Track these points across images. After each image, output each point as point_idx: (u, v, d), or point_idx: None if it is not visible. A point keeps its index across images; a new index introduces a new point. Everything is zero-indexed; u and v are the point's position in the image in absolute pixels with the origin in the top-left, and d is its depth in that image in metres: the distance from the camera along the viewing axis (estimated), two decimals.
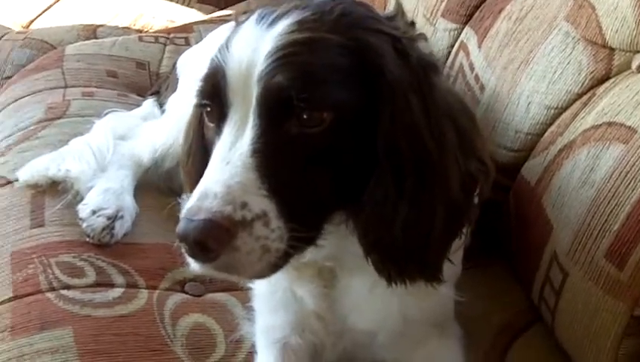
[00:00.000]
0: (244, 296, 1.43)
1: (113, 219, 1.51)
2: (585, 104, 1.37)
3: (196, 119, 1.16)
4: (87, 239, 1.50)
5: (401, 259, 1.03)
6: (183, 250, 0.97)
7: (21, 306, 1.36)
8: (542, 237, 1.35)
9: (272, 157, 0.98)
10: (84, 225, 1.51)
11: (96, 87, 2.02)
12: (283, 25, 1.01)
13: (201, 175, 1.01)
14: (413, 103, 1.00)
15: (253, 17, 1.05)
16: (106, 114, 1.81)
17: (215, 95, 1.03)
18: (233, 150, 0.98)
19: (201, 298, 1.44)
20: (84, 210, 1.54)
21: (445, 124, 1.02)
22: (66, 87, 2.00)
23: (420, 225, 1.01)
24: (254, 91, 0.99)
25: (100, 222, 1.51)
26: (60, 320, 1.32)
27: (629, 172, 1.20)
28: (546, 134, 1.43)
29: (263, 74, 0.98)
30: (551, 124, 1.43)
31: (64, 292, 1.39)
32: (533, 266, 1.37)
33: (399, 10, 1.13)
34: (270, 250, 0.96)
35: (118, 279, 1.43)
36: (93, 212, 1.53)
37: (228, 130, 1.00)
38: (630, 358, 1.24)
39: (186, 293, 1.45)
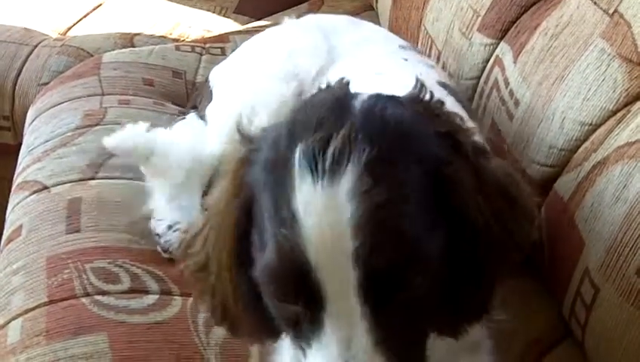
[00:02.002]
0: None
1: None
2: (619, 121, 1.36)
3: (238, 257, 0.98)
4: (164, 254, 1.55)
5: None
6: None
7: (56, 311, 1.39)
8: (574, 252, 1.35)
9: (392, 336, 0.87)
10: (162, 240, 1.56)
11: (132, 95, 2.04)
12: (350, 176, 0.84)
13: (249, 315, 0.99)
14: (480, 202, 0.96)
15: (301, 166, 0.86)
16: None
17: (301, 287, 0.85)
18: (351, 348, 0.84)
19: None
20: (160, 225, 1.58)
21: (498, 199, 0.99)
22: (102, 94, 2.02)
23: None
24: (351, 274, 0.83)
25: (176, 236, 1.54)
26: (95, 325, 1.35)
27: None
28: (580, 150, 1.43)
29: (359, 253, 0.83)
30: (585, 140, 1.42)
31: (99, 297, 1.41)
32: (565, 281, 1.37)
33: (420, 85, 1.02)
34: None
35: (153, 286, 1.45)
36: (169, 227, 1.57)
37: (333, 322, 0.85)
38: None
39: None
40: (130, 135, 1.63)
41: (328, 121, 0.88)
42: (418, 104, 0.98)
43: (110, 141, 1.62)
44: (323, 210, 0.83)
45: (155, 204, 1.64)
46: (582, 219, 1.35)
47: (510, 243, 1.01)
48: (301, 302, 0.86)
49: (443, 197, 0.90)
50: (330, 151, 0.85)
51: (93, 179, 1.75)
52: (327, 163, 0.84)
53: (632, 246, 1.22)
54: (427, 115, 0.97)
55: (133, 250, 1.54)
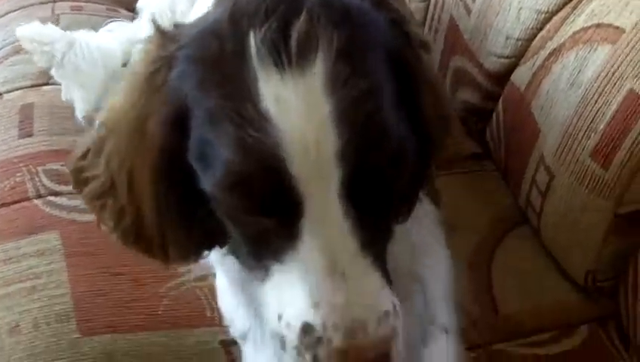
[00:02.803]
0: None
1: None
2: (574, 7, 1.35)
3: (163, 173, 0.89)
4: None
5: None
6: None
7: (8, 213, 1.37)
8: (529, 141, 1.34)
9: (378, 238, 0.83)
10: None
11: (85, 1, 1.99)
12: (324, 65, 0.77)
13: (180, 232, 0.91)
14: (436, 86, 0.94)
15: (261, 58, 0.77)
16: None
17: (276, 192, 0.77)
18: (335, 254, 0.78)
19: None
20: None
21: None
22: (54, 1, 1.97)
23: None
24: (334, 177, 0.77)
25: None
26: (47, 224, 1.33)
27: (615, 71, 1.18)
28: (536, 39, 1.41)
29: (342, 157, 0.76)
30: (541, 28, 1.40)
31: (51, 198, 1.39)
32: (521, 170, 1.37)
33: None
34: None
35: None
36: None
37: (312, 229, 0.78)
38: (613, 257, 1.24)
39: None
40: (48, 29, 1.57)
41: (279, 8, 0.78)
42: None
43: (24, 30, 1.55)
44: (298, 105, 0.75)
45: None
46: (538, 107, 1.34)
47: (444, 132, 0.98)
48: (275, 210, 0.79)
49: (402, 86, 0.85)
50: (293, 38, 0.76)
51: (46, 85, 1.71)
52: (293, 51, 0.76)
53: (587, 129, 1.22)
54: (375, 2, 0.90)
55: None
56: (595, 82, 1.21)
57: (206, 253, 1.01)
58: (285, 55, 0.75)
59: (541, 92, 1.33)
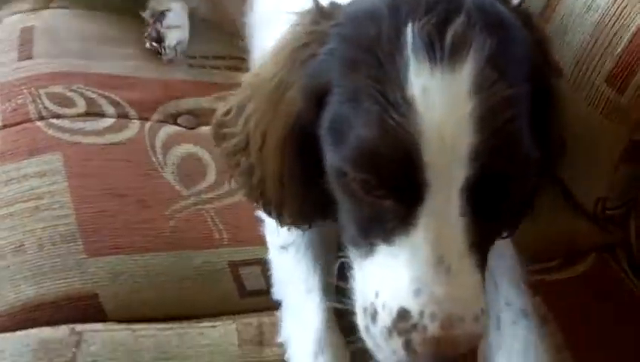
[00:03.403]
0: None
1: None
2: None
3: (292, 141, 0.93)
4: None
5: None
6: None
7: (10, 134, 1.34)
8: None
9: (485, 243, 0.85)
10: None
11: None
12: (473, 66, 0.78)
13: (297, 201, 0.96)
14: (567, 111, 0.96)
15: (416, 48, 0.79)
16: None
17: (404, 173, 0.79)
18: (445, 248, 0.80)
19: (194, 130, 1.43)
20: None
21: None
22: None
23: None
24: (462, 173, 0.78)
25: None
26: (49, 146, 1.31)
27: None
28: None
29: (474, 155, 0.78)
30: None
31: (54, 120, 1.36)
32: None
33: None
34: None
35: (109, 109, 1.41)
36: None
37: (429, 220, 0.80)
38: (624, 184, 1.23)
39: (179, 125, 1.43)
40: None
41: (439, 4, 0.81)
42: (515, 7, 0.93)
43: None
44: (443, 99, 0.77)
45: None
46: (552, 31, 1.30)
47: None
48: (397, 193, 0.81)
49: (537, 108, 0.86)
50: (449, 35, 0.78)
51: (46, 8, 1.67)
52: (447, 48, 0.78)
53: (602, 53, 1.19)
54: (522, 19, 0.91)
55: (89, 75, 1.48)
56: (612, 5, 1.18)
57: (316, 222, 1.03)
58: (439, 50, 0.78)
59: (556, 16, 1.29)
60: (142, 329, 1.08)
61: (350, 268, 0.93)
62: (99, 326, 1.08)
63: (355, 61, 0.83)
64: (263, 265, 1.18)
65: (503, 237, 1.03)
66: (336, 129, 0.84)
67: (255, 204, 1.06)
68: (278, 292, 1.13)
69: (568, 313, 1.17)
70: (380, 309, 0.84)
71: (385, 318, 0.83)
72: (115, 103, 1.43)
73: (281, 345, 1.07)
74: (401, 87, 0.78)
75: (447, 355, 0.80)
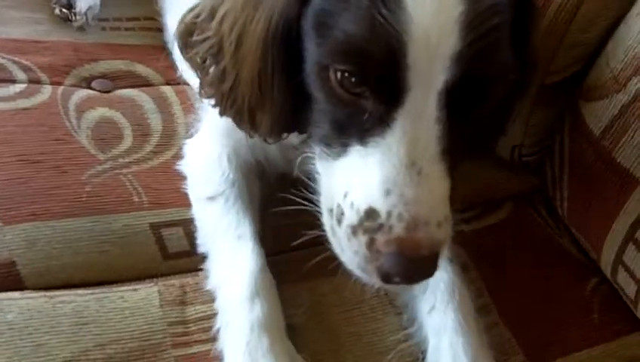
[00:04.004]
0: (154, 91, 1.40)
1: None
2: None
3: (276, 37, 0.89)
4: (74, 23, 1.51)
5: None
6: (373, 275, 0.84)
7: None
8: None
9: (456, 148, 0.84)
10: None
11: None
12: None
13: (276, 103, 0.92)
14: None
15: None
16: None
17: (387, 71, 0.79)
18: (418, 151, 0.80)
19: (108, 94, 1.40)
20: None
21: None
22: None
23: None
24: (442, 76, 0.79)
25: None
26: None
27: None
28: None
29: (457, 59, 0.78)
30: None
31: None
32: None
33: None
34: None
35: (20, 75, 1.37)
36: None
37: (405, 122, 0.80)
38: (539, 130, 1.25)
39: (93, 89, 1.40)
40: None
41: None
42: None
43: None
44: (433, 1, 0.77)
45: None
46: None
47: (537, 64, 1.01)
48: (377, 92, 0.80)
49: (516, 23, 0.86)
50: None
51: None
52: None
53: None
54: None
55: None
56: None
57: (285, 135, 1.01)
58: None
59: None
60: (60, 295, 1.06)
61: (315, 170, 0.93)
62: (15, 294, 1.05)
63: None
64: (186, 226, 1.16)
65: (478, 157, 1.05)
66: (322, 23, 0.83)
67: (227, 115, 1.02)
68: (203, 244, 1.12)
69: (487, 260, 1.20)
70: (347, 209, 0.84)
71: (352, 217, 0.83)
72: (25, 68, 1.38)
73: (205, 302, 1.06)
74: None
75: (408, 256, 0.80)
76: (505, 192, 1.34)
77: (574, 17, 1.15)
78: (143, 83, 1.43)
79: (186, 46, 1.01)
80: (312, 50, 0.85)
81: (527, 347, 1.11)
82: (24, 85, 1.35)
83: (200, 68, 1.00)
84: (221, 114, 1.02)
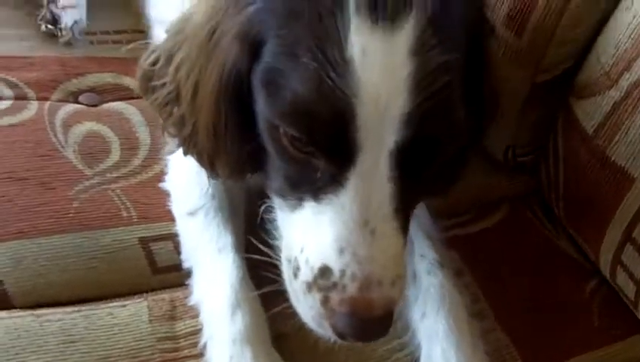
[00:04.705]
0: (142, 103, 1.38)
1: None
2: None
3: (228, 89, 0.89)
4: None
5: None
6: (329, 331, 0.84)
7: None
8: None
9: (409, 205, 0.85)
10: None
11: None
12: (414, 28, 0.77)
13: (232, 152, 0.92)
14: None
15: (358, 5, 0.76)
16: None
17: (336, 132, 0.78)
18: (371, 210, 0.80)
19: (96, 108, 1.38)
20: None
21: None
22: None
23: None
24: (393, 137, 0.78)
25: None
26: None
27: None
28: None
29: (407, 120, 0.77)
30: None
31: None
32: None
33: None
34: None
35: (6, 92, 1.36)
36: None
37: (358, 182, 0.80)
38: (532, 129, 1.24)
39: (80, 104, 1.38)
40: None
41: None
42: None
43: None
44: (381, 61, 0.76)
45: None
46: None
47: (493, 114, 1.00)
48: (329, 153, 0.80)
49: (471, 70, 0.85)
50: None
51: None
52: (389, 9, 0.76)
53: None
54: None
55: None
56: None
57: (249, 175, 1.00)
58: (381, 10, 0.76)
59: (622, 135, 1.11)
60: (47, 314, 1.04)
61: (274, 219, 0.93)
62: (2, 313, 1.04)
63: (294, 12, 0.80)
64: (175, 240, 1.15)
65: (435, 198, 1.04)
66: (271, 81, 0.82)
67: (187, 156, 1.02)
68: (188, 259, 1.11)
69: (483, 264, 1.18)
70: (302, 264, 0.84)
71: (307, 273, 0.83)
72: (12, 85, 1.37)
73: (194, 317, 1.05)
74: (341, 46, 0.76)
75: (362, 317, 0.80)
76: (500, 194, 1.32)
77: (563, 14, 1.13)
78: (130, 95, 1.41)
79: (145, 91, 1.01)
80: (262, 107, 0.85)
81: (526, 352, 1.09)
82: (10, 102, 1.34)
83: (162, 111, 0.99)
84: (185, 154, 1.02)
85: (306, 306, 0.85)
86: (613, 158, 1.10)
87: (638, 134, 1.06)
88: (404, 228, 0.84)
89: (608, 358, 1.12)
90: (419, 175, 0.83)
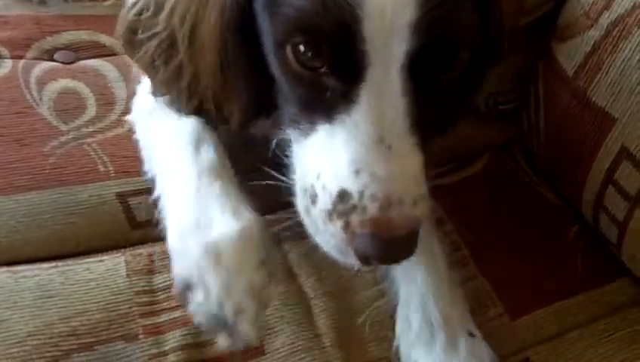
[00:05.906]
0: (118, 60, 1.36)
1: None
2: None
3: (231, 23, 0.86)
4: None
5: None
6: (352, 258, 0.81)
7: None
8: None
9: (425, 121, 0.81)
10: None
11: None
12: None
13: (243, 91, 0.89)
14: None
15: None
16: None
17: (341, 45, 0.76)
18: (385, 126, 0.77)
19: (71, 65, 1.36)
20: None
21: None
22: None
23: None
24: (402, 48, 0.75)
25: None
26: None
27: None
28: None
29: (415, 29, 0.75)
30: None
31: None
32: None
33: None
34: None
35: None
36: None
37: (370, 97, 0.77)
38: (515, 75, 1.24)
39: (56, 61, 1.36)
40: None
41: None
42: None
43: None
44: None
45: None
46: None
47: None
48: (337, 68, 0.77)
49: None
50: None
51: None
52: None
53: None
54: None
55: None
56: None
57: (253, 124, 0.97)
58: None
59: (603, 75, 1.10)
60: (23, 270, 1.03)
61: (289, 146, 0.89)
62: None
63: None
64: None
65: (444, 130, 1.00)
66: (273, 1, 0.79)
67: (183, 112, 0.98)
68: (149, 164, 1.06)
69: (463, 212, 1.16)
70: (319, 191, 0.81)
71: (325, 200, 0.80)
72: None
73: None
74: None
75: (384, 237, 0.77)
76: (481, 144, 1.30)
77: None
78: (107, 52, 1.39)
79: (131, 46, 0.95)
80: (266, 30, 0.82)
81: (507, 298, 1.08)
82: None
83: (149, 67, 0.94)
84: (180, 112, 0.97)
85: (326, 235, 0.81)
86: (593, 99, 1.08)
87: (618, 74, 1.05)
88: (422, 146, 0.81)
89: (592, 302, 1.11)
90: (434, 86, 0.80)
